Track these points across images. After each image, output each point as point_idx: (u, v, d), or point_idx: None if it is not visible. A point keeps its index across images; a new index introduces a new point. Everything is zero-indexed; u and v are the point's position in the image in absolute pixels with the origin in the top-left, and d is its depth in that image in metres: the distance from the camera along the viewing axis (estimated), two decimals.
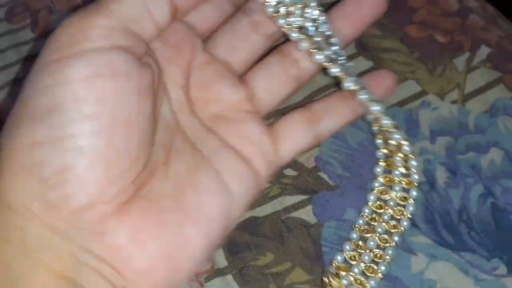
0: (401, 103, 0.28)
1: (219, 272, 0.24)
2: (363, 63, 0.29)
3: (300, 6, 0.23)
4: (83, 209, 0.17)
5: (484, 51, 0.29)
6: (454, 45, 0.29)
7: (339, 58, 0.23)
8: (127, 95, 0.18)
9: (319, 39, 0.23)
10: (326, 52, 0.23)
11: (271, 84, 0.24)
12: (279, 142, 0.23)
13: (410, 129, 0.27)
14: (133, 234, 0.18)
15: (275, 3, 0.22)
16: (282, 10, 0.23)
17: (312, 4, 0.23)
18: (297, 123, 0.24)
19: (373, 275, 0.23)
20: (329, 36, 0.23)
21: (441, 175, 0.25)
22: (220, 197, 0.20)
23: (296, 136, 0.24)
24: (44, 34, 0.32)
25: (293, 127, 0.24)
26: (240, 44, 0.24)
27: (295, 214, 0.25)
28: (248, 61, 0.24)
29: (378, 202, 0.24)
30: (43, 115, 0.17)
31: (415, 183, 0.24)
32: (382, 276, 0.23)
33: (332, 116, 0.24)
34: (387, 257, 0.23)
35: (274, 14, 0.23)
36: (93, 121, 0.17)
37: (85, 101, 0.17)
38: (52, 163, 0.17)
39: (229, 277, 0.24)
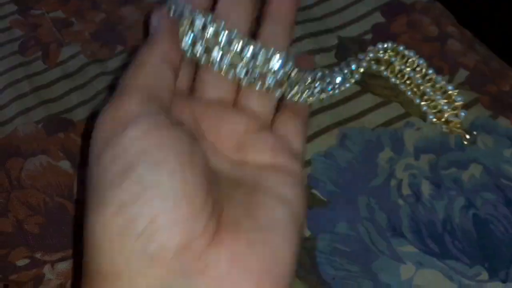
0: (386, 124, 0.30)
1: None
2: (352, 88, 0.31)
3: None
4: (182, 251, 0.18)
5: (462, 74, 0.31)
6: (434, 68, 0.31)
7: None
8: (179, 139, 0.19)
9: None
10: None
11: (262, 98, 0.25)
12: (289, 139, 0.24)
13: (396, 147, 0.29)
14: (233, 260, 0.19)
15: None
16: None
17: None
18: (290, 118, 0.25)
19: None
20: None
21: (426, 188, 0.27)
22: (283, 206, 0.21)
23: (297, 128, 0.25)
24: (55, 65, 0.35)
25: (289, 122, 0.25)
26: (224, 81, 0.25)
27: None
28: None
29: None
30: (118, 181, 0.18)
31: None
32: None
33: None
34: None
35: None
36: (162, 166, 0.18)
37: (148, 152, 0.18)
38: (142, 217, 0.18)
39: None
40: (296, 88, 0.25)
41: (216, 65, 0.24)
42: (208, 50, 0.24)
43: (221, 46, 0.23)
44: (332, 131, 0.30)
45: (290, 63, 0.24)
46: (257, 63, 0.24)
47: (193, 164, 0.19)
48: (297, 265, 0.25)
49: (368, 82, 0.31)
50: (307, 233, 0.26)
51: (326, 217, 0.27)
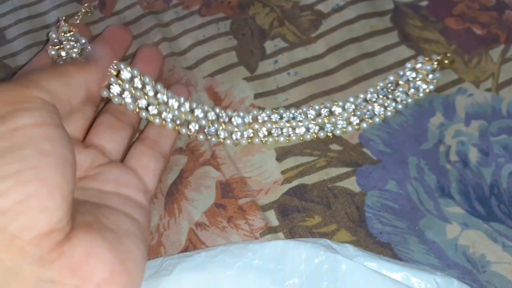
0: (438, 89, 0.30)
1: (271, 230, 0.27)
2: (406, 51, 0.31)
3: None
4: (41, 237, 0.18)
5: None
6: (490, 37, 0.31)
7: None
8: (65, 139, 0.20)
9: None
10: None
11: (113, 135, 0.27)
12: (140, 174, 0.26)
13: (447, 112, 0.29)
14: (88, 250, 0.20)
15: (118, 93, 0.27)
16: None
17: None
18: (145, 153, 0.27)
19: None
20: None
21: (473, 155, 0.28)
22: (130, 221, 0.24)
23: (150, 165, 0.27)
24: (111, 14, 0.36)
25: (143, 158, 0.27)
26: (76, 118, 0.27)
27: (340, 183, 0.28)
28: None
29: None
30: (3, 153, 0.18)
31: None
32: None
33: (165, 136, 0.29)
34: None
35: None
36: (48, 156, 0.19)
37: (39, 141, 0.19)
38: (13, 194, 0.18)
39: (281, 234, 0.27)
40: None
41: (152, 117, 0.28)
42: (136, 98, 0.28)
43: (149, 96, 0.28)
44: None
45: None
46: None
47: (72, 164, 0.20)
48: (346, 217, 0.27)
49: (422, 46, 0.31)
50: (357, 189, 0.27)
51: (377, 175, 0.28)
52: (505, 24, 0.32)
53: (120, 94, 0.27)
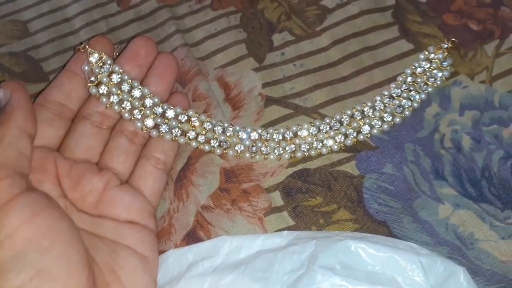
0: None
1: (275, 210, 0.29)
2: (405, 45, 0.33)
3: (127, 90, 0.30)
4: None
5: None
6: (485, 32, 0.33)
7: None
8: (58, 220, 0.22)
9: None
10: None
11: (126, 159, 0.29)
12: (147, 196, 0.28)
13: (443, 103, 0.31)
14: None
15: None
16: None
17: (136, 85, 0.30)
18: (151, 174, 0.28)
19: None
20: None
21: (466, 142, 0.30)
22: (142, 266, 0.25)
23: (155, 185, 0.28)
24: (127, 8, 0.38)
25: (150, 179, 0.28)
26: (93, 142, 0.28)
27: (340, 167, 0.30)
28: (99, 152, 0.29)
29: None
30: (10, 266, 0.20)
31: None
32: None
33: (169, 153, 0.30)
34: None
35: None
36: (50, 252, 0.21)
37: (37, 240, 0.21)
38: None
39: (285, 213, 0.29)
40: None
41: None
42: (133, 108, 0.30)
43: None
44: (384, 87, 0.32)
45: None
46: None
47: (74, 243, 0.22)
48: (346, 198, 0.29)
49: (421, 41, 0.33)
50: (356, 172, 0.29)
51: (375, 159, 0.30)
52: (500, 20, 0.33)
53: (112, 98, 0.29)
